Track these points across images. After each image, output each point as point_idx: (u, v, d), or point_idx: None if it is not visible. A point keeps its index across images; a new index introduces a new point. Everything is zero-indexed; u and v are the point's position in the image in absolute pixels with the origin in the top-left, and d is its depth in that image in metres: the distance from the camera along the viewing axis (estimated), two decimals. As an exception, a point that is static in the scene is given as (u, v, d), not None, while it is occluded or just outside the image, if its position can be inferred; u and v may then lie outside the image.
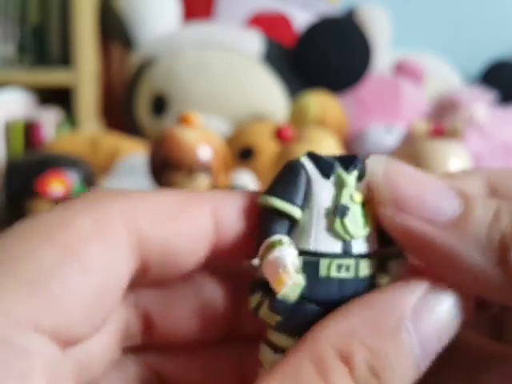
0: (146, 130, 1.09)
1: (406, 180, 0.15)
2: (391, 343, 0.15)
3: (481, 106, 0.96)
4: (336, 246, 0.16)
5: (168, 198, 0.16)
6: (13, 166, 0.65)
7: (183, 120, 0.67)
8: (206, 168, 0.65)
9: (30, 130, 1.04)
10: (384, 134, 0.99)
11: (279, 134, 0.68)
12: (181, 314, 0.18)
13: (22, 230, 0.15)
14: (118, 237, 0.15)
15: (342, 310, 0.15)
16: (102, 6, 1.22)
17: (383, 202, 0.15)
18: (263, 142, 0.90)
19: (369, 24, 1.20)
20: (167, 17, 1.15)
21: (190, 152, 0.65)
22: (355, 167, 0.16)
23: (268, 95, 1.06)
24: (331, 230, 0.16)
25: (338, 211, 0.16)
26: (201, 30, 1.13)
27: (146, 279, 0.16)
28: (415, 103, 1.10)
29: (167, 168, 0.65)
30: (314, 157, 0.16)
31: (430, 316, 0.15)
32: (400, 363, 0.15)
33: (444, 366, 0.16)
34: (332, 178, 0.16)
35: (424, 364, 0.15)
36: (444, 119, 0.99)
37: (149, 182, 0.70)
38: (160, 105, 1.07)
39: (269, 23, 1.23)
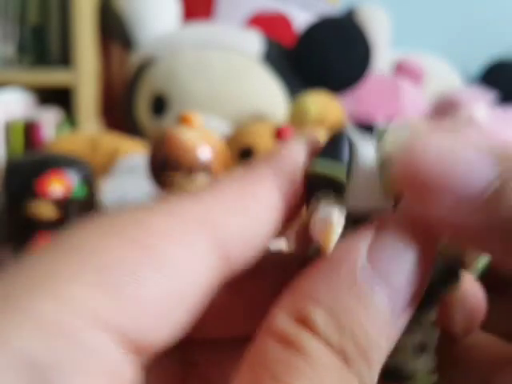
0: (145, 130, 1.09)
1: (429, 160, 0.13)
2: (348, 295, 0.13)
3: (481, 106, 0.96)
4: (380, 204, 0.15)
5: (231, 185, 0.15)
6: (13, 166, 0.65)
7: (183, 120, 0.67)
8: (205, 168, 0.65)
9: (29, 130, 1.04)
10: (384, 134, 0.99)
11: (279, 134, 0.68)
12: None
13: (89, 226, 0.14)
14: (196, 234, 0.14)
15: (295, 279, 0.14)
16: (102, 6, 1.22)
17: (402, 188, 0.14)
18: (263, 142, 0.90)
19: (369, 24, 1.20)
20: (167, 17, 1.15)
21: (189, 152, 0.65)
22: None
23: (268, 95, 1.06)
24: (375, 188, 0.15)
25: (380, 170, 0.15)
26: (201, 30, 1.13)
27: (226, 276, 0.14)
28: (415, 103, 1.10)
29: (167, 168, 0.65)
30: (355, 124, 0.16)
31: (390, 258, 0.13)
32: (366, 314, 0.13)
33: (457, 367, 0.15)
34: (373, 140, 0.16)
35: (398, 312, 0.13)
36: (444, 119, 0.99)
37: (148, 182, 0.70)
38: (160, 105, 1.07)
39: (269, 23, 1.23)
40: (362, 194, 0.15)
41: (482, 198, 0.12)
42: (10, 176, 0.64)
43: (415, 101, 1.11)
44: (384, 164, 0.15)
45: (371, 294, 0.13)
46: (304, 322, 0.13)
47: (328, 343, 0.13)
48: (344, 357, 0.13)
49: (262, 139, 0.91)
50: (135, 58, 1.13)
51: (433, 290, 0.15)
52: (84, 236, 0.13)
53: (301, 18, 1.23)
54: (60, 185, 0.63)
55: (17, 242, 0.65)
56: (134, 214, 0.14)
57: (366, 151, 0.15)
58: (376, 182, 0.15)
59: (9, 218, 0.65)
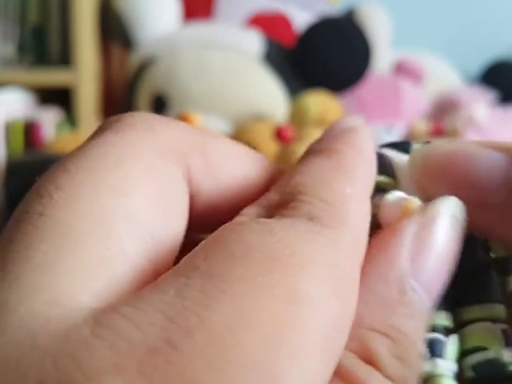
0: (145, 130, 1.09)
1: (440, 179, 0.14)
2: (401, 316, 0.13)
3: (481, 106, 0.96)
4: None
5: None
6: (13, 166, 0.65)
7: (183, 120, 0.67)
8: (205, 168, 0.65)
9: (29, 130, 1.04)
10: (384, 134, 0.99)
11: (279, 134, 0.68)
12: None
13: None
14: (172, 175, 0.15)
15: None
16: (102, 6, 1.22)
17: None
18: (263, 142, 0.90)
19: (369, 24, 1.20)
20: (167, 17, 1.15)
21: (189, 152, 0.65)
22: None
23: (268, 95, 1.06)
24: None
25: None
26: (201, 30, 1.13)
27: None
28: (415, 103, 1.10)
29: (167, 168, 0.65)
30: (388, 145, 0.16)
31: (428, 254, 0.13)
32: (414, 325, 0.13)
33: None
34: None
35: (433, 300, 0.13)
36: (444, 119, 0.99)
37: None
38: (160, 105, 1.07)
39: (269, 23, 1.23)
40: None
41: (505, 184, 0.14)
42: (10, 176, 0.64)
43: (415, 101, 1.11)
44: (417, 170, 0.15)
45: (419, 305, 0.13)
46: (371, 361, 0.13)
47: (392, 378, 0.13)
48: None
49: (262, 139, 0.91)
50: (135, 58, 1.13)
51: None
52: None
53: (301, 18, 1.23)
54: (60, 185, 0.63)
55: (17, 241, 0.65)
56: (115, 154, 0.15)
57: (402, 163, 0.16)
58: (413, 188, 0.15)
59: (9, 218, 0.65)
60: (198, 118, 0.68)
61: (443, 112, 1.06)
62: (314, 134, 0.68)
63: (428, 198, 0.15)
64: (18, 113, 1.08)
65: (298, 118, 0.93)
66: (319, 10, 1.27)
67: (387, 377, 0.13)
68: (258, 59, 1.07)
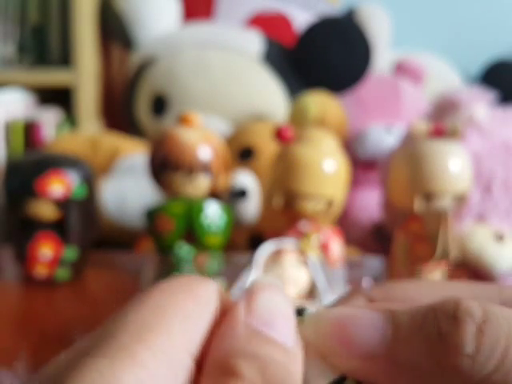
0: (146, 130, 1.09)
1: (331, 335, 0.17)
2: (252, 342, 0.16)
3: (481, 105, 0.96)
4: None
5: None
6: (13, 166, 0.65)
7: (183, 120, 0.67)
8: (205, 168, 0.65)
9: (30, 130, 1.05)
10: (384, 134, 0.99)
11: (279, 134, 0.68)
12: None
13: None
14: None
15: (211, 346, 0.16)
16: (102, 6, 1.22)
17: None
18: (263, 142, 0.90)
19: (369, 24, 1.20)
20: (167, 17, 1.15)
21: (189, 152, 0.65)
22: None
23: (268, 95, 1.06)
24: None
25: None
26: (201, 29, 1.13)
27: None
28: (415, 103, 1.10)
29: (167, 168, 0.65)
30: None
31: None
32: (272, 349, 0.16)
33: None
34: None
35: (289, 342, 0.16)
36: (444, 119, 0.99)
37: (148, 182, 0.70)
38: (160, 105, 1.07)
39: (269, 23, 1.23)
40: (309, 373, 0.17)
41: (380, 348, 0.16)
42: (10, 176, 0.64)
43: (415, 101, 1.11)
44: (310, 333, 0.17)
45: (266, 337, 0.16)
46: (229, 373, 0.15)
47: (251, 381, 0.15)
48: None
49: (261, 139, 0.91)
50: (135, 58, 1.13)
51: None
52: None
53: (301, 18, 1.23)
54: (60, 185, 0.63)
55: (17, 242, 0.65)
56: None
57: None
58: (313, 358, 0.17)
59: (9, 218, 0.65)
60: (198, 118, 0.68)
61: (443, 112, 1.06)
62: (314, 134, 0.68)
63: (323, 358, 0.17)
64: (18, 113, 1.08)
65: (297, 118, 0.93)
66: (319, 10, 1.27)
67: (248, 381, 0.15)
68: (258, 59, 1.07)
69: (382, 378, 0.16)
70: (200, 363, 0.16)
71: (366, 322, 0.17)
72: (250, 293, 0.17)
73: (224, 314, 0.17)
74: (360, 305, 0.18)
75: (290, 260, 0.57)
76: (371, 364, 0.16)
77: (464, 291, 0.19)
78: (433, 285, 0.19)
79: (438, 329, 0.16)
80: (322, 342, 0.17)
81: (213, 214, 0.66)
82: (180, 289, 0.16)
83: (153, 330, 0.15)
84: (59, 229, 0.64)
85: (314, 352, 0.17)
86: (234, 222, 0.70)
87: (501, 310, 0.16)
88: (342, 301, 0.19)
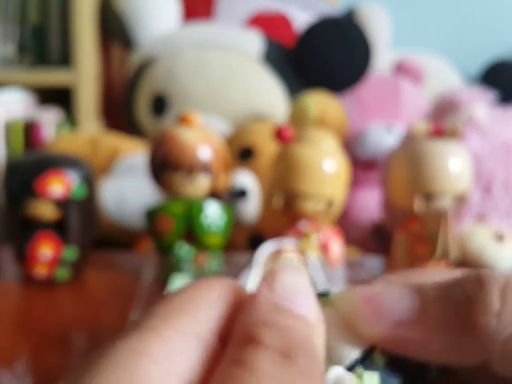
0: (146, 130, 1.09)
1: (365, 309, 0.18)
2: (275, 313, 0.17)
3: (481, 105, 0.96)
4: None
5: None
6: (13, 166, 0.65)
7: (183, 120, 0.67)
8: (205, 168, 0.65)
9: (30, 130, 1.05)
10: (384, 134, 0.99)
11: (279, 134, 0.68)
12: None
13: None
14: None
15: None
16: (102, 6, 1.22)
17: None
18: (263, 142, 0.90)
19: (369, 24, 1.20)
20: (167, 17, 1.15)
21: (189, 152, 0.65)
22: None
23: (268, 95, 1.06)
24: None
25: None
26: (201, 29, 1.13)
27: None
28: (415, 103, 1.10)
29: (167, 168, 0.65)
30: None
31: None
32: (293, 319, 0.17)
33: None
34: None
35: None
36: (444, 119, 0.99)
37: (148, 182, 0.70)
38: (160, 105, 1.07)
39: (269, 23, 1.23)
40: (339, 348, 0.18)
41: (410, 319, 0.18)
42: (10, 176, 0.64)
43: (415, 101, 1.11)
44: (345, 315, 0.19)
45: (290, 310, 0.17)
46: (251, 340, 0.16)
47: (273, 347, 0.16)
48: (287, 354, 0.16)
49: (261, 139, 0.91)
50: (135, 58, 1.13)
51: None
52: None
53: (301, 18, 1.23)
54: (60, 185, 0.63)
55: (17, 241, 0.65)
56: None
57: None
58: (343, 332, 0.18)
59: (9, 218, 0.65)
60: (198, 118, 0.68)
61: (443, 112, 1.06)
62: (314, 134, 0.68)
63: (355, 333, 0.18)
64: (18, 113, 1.08)
65: (297, 118, 0.93)
66: (319, 10, 1.27)
67: (269, 347, 0.16)
68: (258, 59, 1.07)
69: (413, 343, 0.18)
70: (225, 341, 0.17)
71: (395, 294, 0.18)
72: (272, 273, 0.18)
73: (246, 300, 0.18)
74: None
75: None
76: (403, 330, 0.17)
77: None
78: (451, 272, 0.20)
79: (464, 293, 0.17)
80: (355, 315, 0.18)
81: (213, 214, 0.66)
82: (204, 284, 0.18)
83: (179, 315, 0.17)
84: (59, 229, 0.64)
85: (343, 327, 0.18)
86: (234, 222, 0.70)
87: None
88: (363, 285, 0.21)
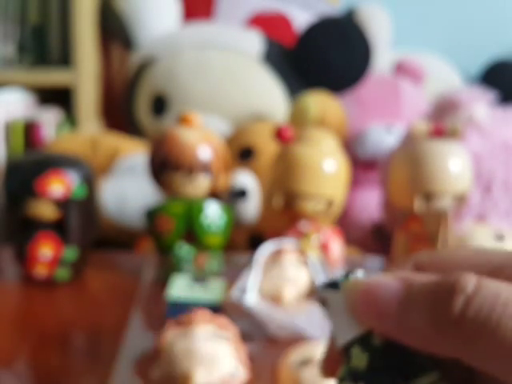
0: (146, 130, 1.09)
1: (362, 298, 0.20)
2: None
3: (481, 105, 0.96)
4: None
5: None
6: (13, 166, 0.65)
7: (183, 120, 0.67)
8: (205, 168, 0.65)
9: (30, 130, 1.05)
10: (384, 134, 0.99)
11: (279, 134, 0.68)
12: None
13: None
14: None
15: None
16: (102, 6, 1.22)
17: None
18: (263, 142, 0.90)
19: (369, 24, 1.20)
20: (167, 17, 1.15)
21: (189, 152, 0.65)
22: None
23: (268, 95, 1.06)
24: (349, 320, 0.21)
25: None
26: (201, 30, 1.13)
27: None
28: (415, 103, 1.10)
29: (167, 168, 0.65)
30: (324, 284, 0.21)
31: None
32: None
33: None
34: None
35: None
36: (444, 119, 0.99)
37: (148, 182, 0.70)
38: (160, 105, 1.07)
39: (269, 23, 1.23)
40: (343, 327, 0.21)
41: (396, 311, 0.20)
42: (10, 176, 0.64)
43: (415, 101, 1.11)
44: (347, 303, 0.21)
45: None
46: None
47: None
48: None
49: (261, 139, 0.91)
50: (135, 58, 1.13)
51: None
52: None
53: (301, 18, 1.23)
54: (60, 185, 0.63)
55: (17, 241, 0.65)
56: None
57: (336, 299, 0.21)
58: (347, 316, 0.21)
59: (9, 218, 0.65)
60: (198, 118, 0.68)
61: (443, 112, 1.06)
62: (314, 134, 0.68)
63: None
64: (18, 113, 1.08)
65: (297, 118, 0.93)
66: (319, 10, 1.27)
67: None
68: (257, 59, 1.07)
69: (392, 336, 0.19)
70: None
71: (386, 288, 0.20)
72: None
73: None
74: (399, 273, 0.21)
75: (290, 260, 0.57)
76: (385, 323, 0.19)
77: (506, 259, 0.21)
78: (478, 252, 0.22)
79: (438, 298, 0.19)
80: (352, 304, 0.20)
81: (213, 214, 0.66)
82: None
83: None
84: (59, 229, 0.64)
85: (347, 311, 0.20)
86: (234, 222, 0.70)
87: (494, 283, 0.19)
88: (391, 267, 0.22)
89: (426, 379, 0.20)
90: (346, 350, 0.20)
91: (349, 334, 0.20)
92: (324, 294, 0.21)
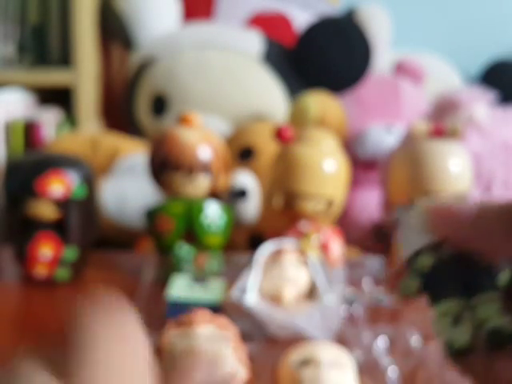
0: (146, 130, 1.09)
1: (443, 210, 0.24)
2: None
3: (481, 105, 0.96)
4: None
5: None
6: (13, 166, 0.65)
7: (183, 120, 0.67)
8: (205, 168, 0.65)
9: (30, 130, 1.04)
10: (384, 134, 0.99)
11: (279, 134, 0.68)
12: None
13: None
14: None
15: None
16: (102, 6, 1.22)
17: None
18: (263, 142, 0.90)
19: (369, 24, 1.20)
20: (167, 17, 1.15)
21: (189, 152, 0.65)
22: None
23: (268, 95, 1.06)
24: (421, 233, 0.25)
25: None
26: (201, 29, 1.13)
27: None
28: (415, 103, 1.10)
29: (167, 168, 0.65)
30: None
31: None
32: None
33: None
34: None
35: None
36: (444, 119, 0.99)
37: (148, 182, 0.70)
38: (160, 105, 1.07)
39: (269, 23, 1.23)
40: (413, 240, 0.24)
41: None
42: (10, 176, 0.64)
43: (415, 101, 1.11)
44: (422, 218, 0.24)
45: None
46: None
47: None
48: None
49: (261, 139, 0.91)
50: (135, 58, 1.13)
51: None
52: None
53: (301, 18, 1.23)
54: (60, 185, 0.63)
55: (17, 241, 0.65)
56: None
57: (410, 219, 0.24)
58: (420, 229, 0.24)
59: (9, 218, 0.65)
60: (198, 118, 0.68)
61: (443, 112, 1.06)
62: (314, 134, 0.68)
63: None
64: (18, 113, 1.08)
65: (297, 118, 0.93)
66: (319, 10, 1.27)
67: None
68: (257, 59, 1.07)
69: (466, 240, 0.22)
70: None
71: (462, 205, 0.23)
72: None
73: None
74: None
75: (290, 260, 0.57)
76: (462, 230, 0.23)
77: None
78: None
79: (508, 208, 0.22)
80: (431, 217, 0.23)
81: (213, 214, 0.66)
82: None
83: None
84: (59, 229, 0.64)
85: (422, 224, 0.23)
86: (234, 222, 0.70)
87: None
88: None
89: (484, 296, 0.22)
90: (413, 259, 0.23)
91: (418, 245, 0.23)
92: (400, 215, 0.24)
